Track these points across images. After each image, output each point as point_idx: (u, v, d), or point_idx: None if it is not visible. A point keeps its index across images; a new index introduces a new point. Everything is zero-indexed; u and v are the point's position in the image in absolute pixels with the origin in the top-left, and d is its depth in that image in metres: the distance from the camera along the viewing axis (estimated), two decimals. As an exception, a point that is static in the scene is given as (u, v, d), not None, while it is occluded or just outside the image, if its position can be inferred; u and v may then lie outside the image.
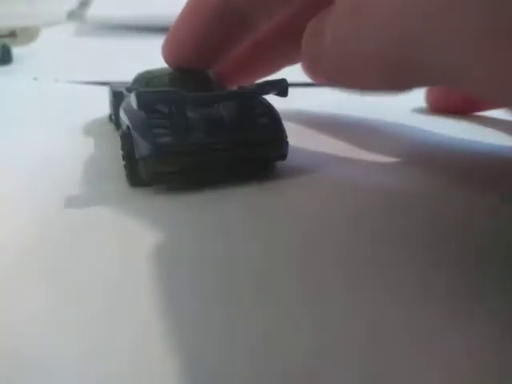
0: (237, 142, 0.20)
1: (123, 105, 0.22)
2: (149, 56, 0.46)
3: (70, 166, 0.22)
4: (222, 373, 0.11)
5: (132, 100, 0.19)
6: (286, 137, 0.20)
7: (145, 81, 0.24)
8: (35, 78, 0.39)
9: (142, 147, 0.19)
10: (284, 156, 0.21)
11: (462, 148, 0.25)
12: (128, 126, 0.20)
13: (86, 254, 0.16)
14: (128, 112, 0.20)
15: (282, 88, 0.20)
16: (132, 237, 0.17)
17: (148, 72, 0.25)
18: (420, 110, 0.31)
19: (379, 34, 0.13)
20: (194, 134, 0.19)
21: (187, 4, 0.23)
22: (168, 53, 0.24)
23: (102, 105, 0.28)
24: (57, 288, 0.14)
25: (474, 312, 0.13)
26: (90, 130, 0.27)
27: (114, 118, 0.26)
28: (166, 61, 0.24)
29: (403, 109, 0.31)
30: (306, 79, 0.29)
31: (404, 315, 0.13)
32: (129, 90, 0.24)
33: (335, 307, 0.13)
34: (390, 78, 0.14)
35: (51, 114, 0.30)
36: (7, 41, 0.47)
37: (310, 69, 0.22)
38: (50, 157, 0.23)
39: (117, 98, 0.25)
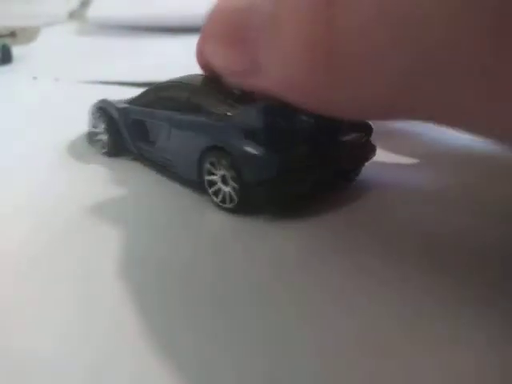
0: (340, 146, 0.19)
1: (206, 121, 0.19)
2: (149, 56, 0.46)
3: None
4: None
5: (253, 116, 0.17)
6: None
7: (196, 91, 0.21)
8: (35, 78, 0.39)
9: (263, 168, 0.17)
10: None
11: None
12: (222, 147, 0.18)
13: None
14: (223, 131, 0.18)
15: None
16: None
17: (182, 83, 0.21)
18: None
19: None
20: (307, 144, 0.18)
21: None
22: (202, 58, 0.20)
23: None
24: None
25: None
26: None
27: (111, 139, 0.23)
28: (201, 66, 0.21)
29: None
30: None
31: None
32: (143, 105, 0.22)
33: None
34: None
35: (52, 114, 0.29)
36: (7, 41, 0.46)
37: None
38: (55, 156, 0.23)
39: (121, 115, 0.23)
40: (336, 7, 0.10)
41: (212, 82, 0.20)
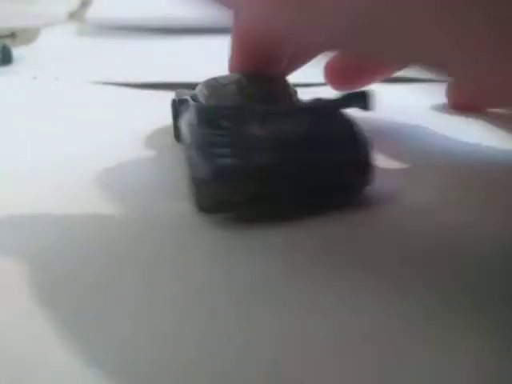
0: (310, 164, 0.17)
1: (185, 117, 0.19)
2: (148, 57, 0.46)
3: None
4: None
5: (192, 114, 0.17)
6: (371, 159, 0.17)
7: (211, 89, 0.21)
8: (35, 77, 0.38)
9: (200, 169, 0.16)
10: (367, 182, 0.18)
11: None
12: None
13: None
14: (189, 126, 0.18)
15: (362, 101, 0.18)
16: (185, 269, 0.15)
17: (214, 79, 0.22)
18: (440, 107, 0.29)
19: None
20: (259, 155, 0.16)
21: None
22: (235, 61, 0.22)
23: (100, 104, 0.27)
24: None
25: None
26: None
27: (174, 130, 0.23)
28: (233, 70, 0.22)
29: (423, 106, 0.29)
30: (314, 79, 0.28)
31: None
32: (194, 98, 0.21)
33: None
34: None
35: (52, 114, 0.29)
36: (7, 41, 0.46)
37: None
38: (61, 156, 0.23)
39: (181, 106, 0.22)
40: None
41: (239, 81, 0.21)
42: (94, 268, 0.15)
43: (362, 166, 0.17)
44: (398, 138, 0.25)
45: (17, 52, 0.45)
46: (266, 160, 0.16)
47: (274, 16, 0.13)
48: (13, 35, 0.49)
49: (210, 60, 0.26)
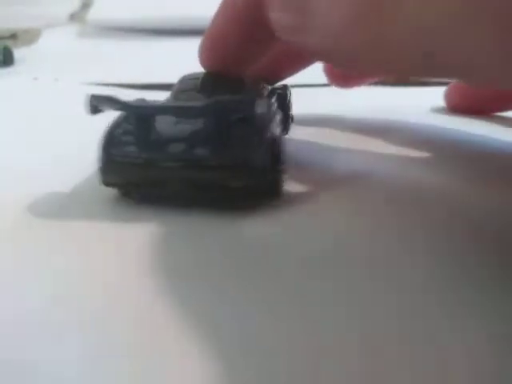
0: (187, 162, 0.17)
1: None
2: (149, 58, 0.46)
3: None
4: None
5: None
6: (264, 164, 0.17)
7: (179, 83, 0.22)
8: (35, 78, 0.39)
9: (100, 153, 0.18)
10: (262, 187, 0.17)
11: (482, 146, 0.24)
12: None
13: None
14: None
15: (247, 111, 0.17)
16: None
17: (190, 74, 0.22)
18: (439, 110, 0.29)
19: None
20: (153, 148, 0.17)
21: (219, 12, 0.21)
22: (205, 59, 0.22)
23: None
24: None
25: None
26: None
27: None
28: (203, 66, 0.23)
29: (422, 108, 0.30)
30: (315, 80, 0.28)
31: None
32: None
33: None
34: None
35: (52, 115, 0.29)
36: (8, 43, 0.46)
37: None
38: (54, 156, 0.23)
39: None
40: None
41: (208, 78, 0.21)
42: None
43: (248, 170, 0.17)
44: (398, 139, 0.25)
45: (18, 53, 0.46)
46: (149, 152, 0.17)
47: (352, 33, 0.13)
48: (14, 36, 0.50)
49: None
